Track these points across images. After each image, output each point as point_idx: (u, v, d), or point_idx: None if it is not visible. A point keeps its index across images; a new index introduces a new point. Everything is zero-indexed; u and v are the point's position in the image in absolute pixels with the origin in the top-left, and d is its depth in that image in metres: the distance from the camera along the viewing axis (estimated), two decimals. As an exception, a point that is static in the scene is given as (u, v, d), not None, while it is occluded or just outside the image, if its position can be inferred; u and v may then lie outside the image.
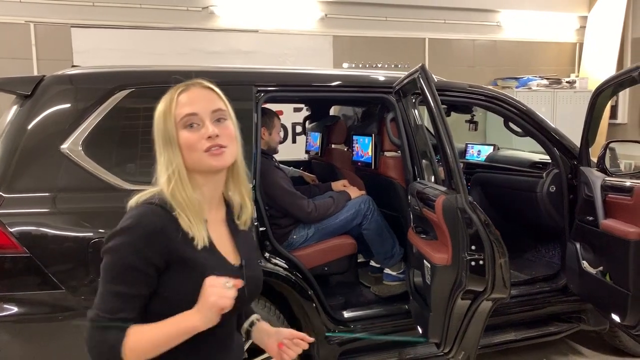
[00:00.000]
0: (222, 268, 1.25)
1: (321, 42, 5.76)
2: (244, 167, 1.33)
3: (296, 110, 5.57)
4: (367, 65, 5.84)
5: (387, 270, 3.30)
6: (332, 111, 4.44)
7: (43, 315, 2.28)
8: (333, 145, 3.98)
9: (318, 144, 4.07)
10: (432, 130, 2.79)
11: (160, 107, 1.26)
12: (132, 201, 1.25)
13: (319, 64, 5.69)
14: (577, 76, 6.64)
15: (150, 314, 1.20)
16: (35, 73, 4.80)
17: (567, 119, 5.27)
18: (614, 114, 6.60)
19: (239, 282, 1.16)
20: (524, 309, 3.16)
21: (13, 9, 4.74)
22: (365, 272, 3.51)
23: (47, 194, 2.33)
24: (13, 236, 2.22)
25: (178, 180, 1.21)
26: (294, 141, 5.82)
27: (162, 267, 1.18)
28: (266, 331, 1.39)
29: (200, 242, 1.21)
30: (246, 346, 1.52)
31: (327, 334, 2.70)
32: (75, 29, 4.92)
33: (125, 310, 1.16)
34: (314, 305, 2.69)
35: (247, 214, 1.35)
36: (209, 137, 1.22)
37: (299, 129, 5.75)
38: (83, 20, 4.92)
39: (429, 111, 2.30)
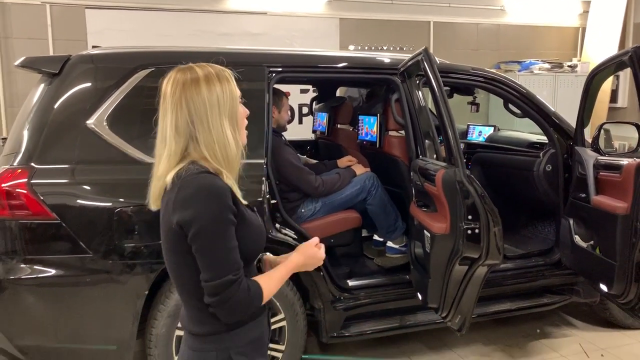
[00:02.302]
0: (255, 219, 1.47)
1: (328, 24, 5.87)
2: None
3: (303, 91, 5.71)
4: (373, 48, 5.96)
5: (389, 244, 3.48)
6: (338, 93, 4.58)
7: (72, 277, 2.47)
8: (339, 125, 4.14)
9: (325, 124, 4.22)
10: (435, 112, 2.95)
11: (226, 87, 1.38)
12: (180, 174, 1.34)
13: (326, 46, 5.81)
14: (579, 60, 6.74)
15: None
16: (51, 53, 4.94)
17: (567, 103, 5.39)
18: (614, 98, 6.70)
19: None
20: (519, 281, 3.34)
21: (30, -10, 4.89)
22: (369, 246, 3.69)
23: (75, 166, 2.50)
24: (45, 204, 2.40)
25: (239, 147, 1.41)
26: (300, 122, 5.96)
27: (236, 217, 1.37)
28: (274, 261, 1.61)
29: (241, 199, 1.41)
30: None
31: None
32: (89, 10, 5.05)
33: (240, 260, 1.35)
34: (322, 273, 2.86)
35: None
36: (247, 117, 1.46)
37: (305, 110, 5.89)
38: (97, 2, 5.05)
39: (431, 91, 2.46)
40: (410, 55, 2.79)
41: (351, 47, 5.90)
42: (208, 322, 1.38)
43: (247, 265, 1.40)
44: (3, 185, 2.39)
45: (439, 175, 2.43)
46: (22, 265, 2.43)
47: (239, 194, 1.40)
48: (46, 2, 4.92)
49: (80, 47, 4.98)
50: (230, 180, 1.38)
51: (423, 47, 2.49)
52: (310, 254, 1.53)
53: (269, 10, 5.63)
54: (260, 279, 1.40)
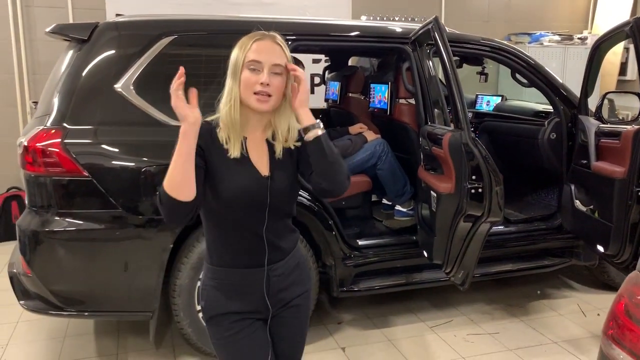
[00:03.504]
0: (249, 175, 1.57)
1: (340, -6, 5.94)
2: (287, 110, 1.61)
3: (315, 61, 5.80)
4: (385, 18, 6.02)
5: (398, 207, 3.64)
6: (350, 63, 4.68)
7: (102, 230, 2.65)
8: (350, 94, 4.27)
9: (337, 92, 4.35)
10: (444, 81, 3.07)
11: (235, 52, 1.56)
12: None
13: (338, 16, 5.86)
14: (590, 33, 6.76)
15: (203, 213, 1.62)
16: (71, 21, 5.06)
17: (577, 75, 5.42)
18: (623, 70, 6.72)
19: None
20: (522, 244, 3.51)
21: (49, -41, 5.00)
22: (378, 210, 3.85)
23: (104, 127, 2.67)
24: (77, 162, 2.57)
25: (232, 105, 1.55)
26: (312, 92, 6.06)
27: (204, 157, 1.53)
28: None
29: (232, 152, 1.55)
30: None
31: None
32: (107, -22, 5.16)
33: None
34: (333, 233, 3.04)
35: (279, 144, 1.63)
36: (262, 83, 1.53)
37: (317, 80, 5.99)
38: (115, -29, 5.15)
39: (440, 58, 2.59)
40: (421, 25, 2.90)
41: (363, 17, 5.95)
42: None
43: (226, 218, 1.57)
44: (38, 144, 2.57)
45: (445, 138, 2.58)
46: (56, 219, 2.62)
47: (231, 146, 1.54)
48: (66, -30, 5.04)
49: (98, 15, 5.11)
50: (223, 132, 1.55)
51: (434, 16, 2.61)
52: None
53: (282, -20, 5.71)
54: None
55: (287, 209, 1.69)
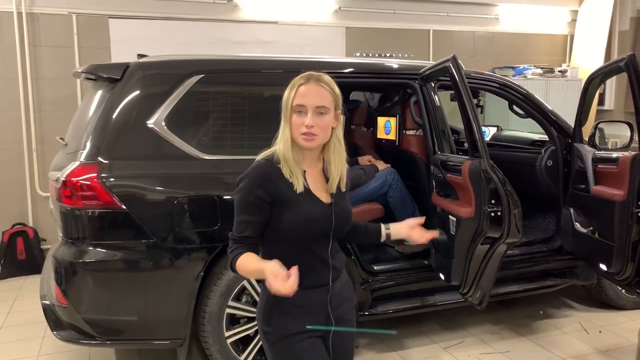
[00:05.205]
0: (315, 205, 1.73)
1: (335, 32, 6.20)
2: (336, 146, 1.76)
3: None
4: (377, 55, 6.30)
5: (408, 233, 3.80)
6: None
7: (137, 260, 2.77)
8: (354, 126, 4.47)
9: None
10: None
11: (286, 93, 1.71)
12: (258, 157, 1.76)
13: (333, 53, 6.13)
14: (569, 66, 7.14)
15: (266, 238, 1.75)
16: (77, 60, 5.19)
17: (559, 105, 5.72)
18: (601, 100, 7.13)
19: (292, 286, 1.49)
20: (525, 265, 3.69)
21: (57, 1, 5.13)
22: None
23: (138, 161, 2.80)
24: (114, 195, 2.69)
25: (286, 144, 1.72)
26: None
27: (270, 203, 1.69)
28: (399, 227, 2.05)
29: (298, 187, 1.71)
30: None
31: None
32: (112, 19, 5.30)
33: (248, 230, 1.69)
34: (353, 258, 3.18)
35: (333, 177, 1.78)
36: (306, 125, 1.69)
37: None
38: (120, 11, 5.30)
39: (457, 92, 2.80)
40: (435, 62, 3.13)
41: (357, 54, 6.23)
42: None
43: (291, 243, 1.71)
44: (75, 178, 2.68)
45: (465, 166, 2.77)
46: (91, 249, 2.72)
47: (295, 180, 1.70)
48: (72, 12, 5.17)
49: (104, 55, 5.27)
50: (286, 168, 1.70)
51: (452, 55, 2.84)
52: (272, 275, 1.51)
53: (280, 20, 5.94)
54: (244, 257, 1.65)
55: (346, 230, 1.85)
